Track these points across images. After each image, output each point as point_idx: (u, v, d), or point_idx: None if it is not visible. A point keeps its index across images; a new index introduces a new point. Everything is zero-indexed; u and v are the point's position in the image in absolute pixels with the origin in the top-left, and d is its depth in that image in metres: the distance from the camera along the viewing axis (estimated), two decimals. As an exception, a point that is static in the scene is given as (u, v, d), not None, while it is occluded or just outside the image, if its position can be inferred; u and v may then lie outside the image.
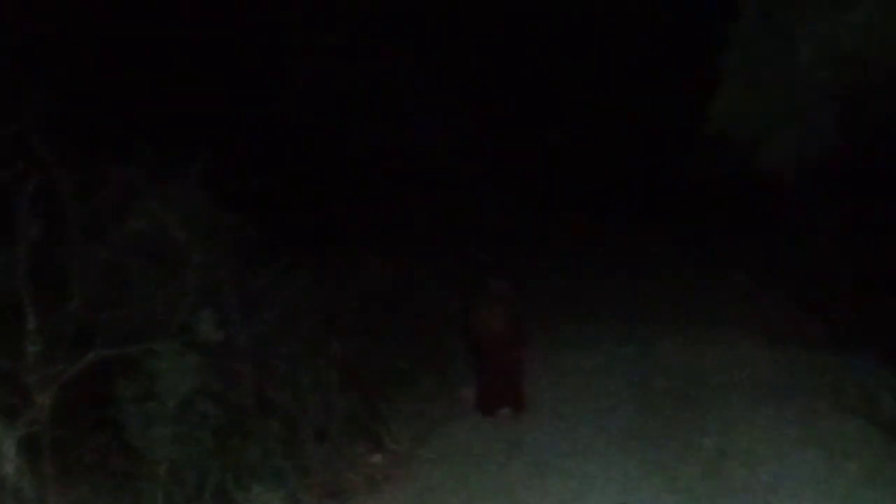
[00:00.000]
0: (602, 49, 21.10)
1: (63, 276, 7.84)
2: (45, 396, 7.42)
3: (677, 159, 19.11)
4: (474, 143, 20.08)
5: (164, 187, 8.78)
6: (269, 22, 15.64)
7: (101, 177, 8.25)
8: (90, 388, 7.91)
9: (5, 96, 8.32)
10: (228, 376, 8.77)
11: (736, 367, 12.81)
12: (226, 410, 8.41)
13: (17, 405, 7.35)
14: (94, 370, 7.69)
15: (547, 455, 9.96)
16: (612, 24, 21.00)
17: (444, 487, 9.12)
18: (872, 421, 10.53)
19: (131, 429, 7.87)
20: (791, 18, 12.17)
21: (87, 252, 7.97)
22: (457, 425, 10.96)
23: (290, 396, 9.37)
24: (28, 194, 7.24)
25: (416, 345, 12.75)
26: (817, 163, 13.72)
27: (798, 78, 12.70)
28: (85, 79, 9.60)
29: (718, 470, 9.36)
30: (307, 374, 9.61)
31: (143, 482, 7.86)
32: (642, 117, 20.64)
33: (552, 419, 11.14)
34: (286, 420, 9.26)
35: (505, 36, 20.08)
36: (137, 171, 8.49)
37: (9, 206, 7.32)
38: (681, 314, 15.74)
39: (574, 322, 15.40)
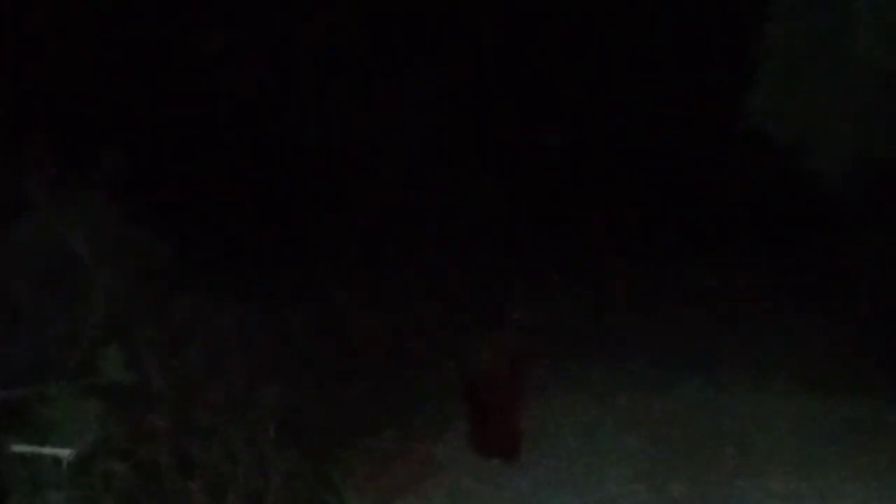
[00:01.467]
0: (607, 27, 21.25)
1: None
2: None
3: (704, 165, 19.22)
4: (461, 137, 20.01)
5: (63, 195, 8.88)
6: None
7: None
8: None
9: None
10: (139, 428, 8.80)
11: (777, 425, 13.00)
12: (135, 470, 8.48)
13: None
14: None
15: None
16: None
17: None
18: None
19: (17, 493, 7.95)
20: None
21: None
22: (424, 491, 11.10)
23: (217, 453, 9.46)
24: None
25: (375, 390, 12.80)
26: (881, 169, 13.76)
27: (855, 60, 12.64)
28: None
29: None
30: (239, 426, 9.73)
31: (32, 558, 7.95)
32: (660, 112, 20.66)
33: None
34: (211, 483, 9.35)
35: (502, 21, 19.97)
36: (29, 178, 8.60)
37: None
38: (710, 354, 15.86)
39: (583, 361, 15.58)
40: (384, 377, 13.18)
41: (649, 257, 20.09)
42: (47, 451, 7.94)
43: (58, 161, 8.92)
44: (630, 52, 20.23)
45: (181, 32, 14.81)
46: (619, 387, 14.60)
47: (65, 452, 7.91)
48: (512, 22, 20.18)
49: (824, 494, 11.08)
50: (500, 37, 20.23)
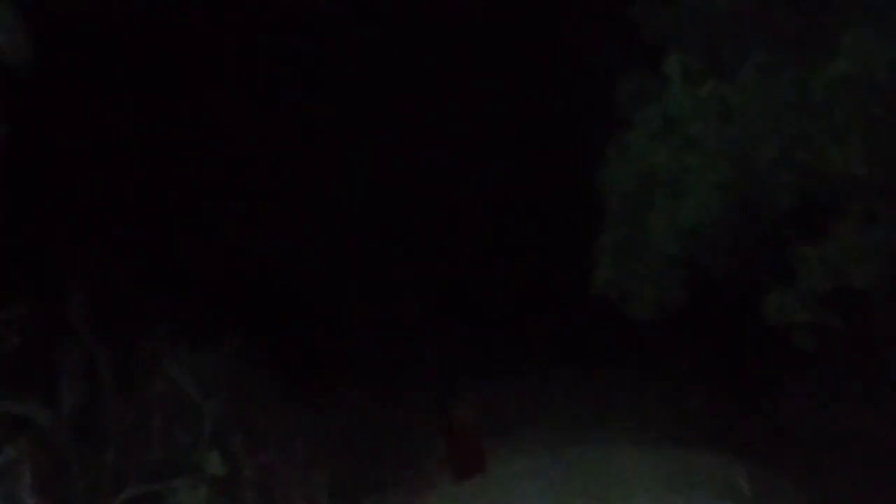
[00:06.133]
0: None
1: (101, 430, 7.09)
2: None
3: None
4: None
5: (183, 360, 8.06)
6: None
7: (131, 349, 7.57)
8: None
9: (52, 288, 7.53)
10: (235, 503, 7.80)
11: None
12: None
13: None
14: (128, 504, 6.82)
15: None
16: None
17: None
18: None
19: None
20: (642, 210, 11.61)
21: (120, 410, 7.25)
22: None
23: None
24: (70, 368, 6.56)
25: (386, 466, 11.79)
26: (668, 313, 13.03)
27: (653, 250, 12.00)
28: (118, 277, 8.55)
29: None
30: (303, 495, 8.74)
31: None
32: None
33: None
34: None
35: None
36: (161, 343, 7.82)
37: (55, 378, 6.66)
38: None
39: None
40: (393, 458, 12.14)
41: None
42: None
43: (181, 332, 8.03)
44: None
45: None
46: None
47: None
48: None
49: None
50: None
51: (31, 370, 6.45)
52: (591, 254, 12.66)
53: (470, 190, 19.93)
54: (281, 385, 9.80)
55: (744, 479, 9.92)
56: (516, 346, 20.24)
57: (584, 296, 13.33)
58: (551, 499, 10.65)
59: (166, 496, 6.96)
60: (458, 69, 16.87)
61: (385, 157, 16.62)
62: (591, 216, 12.58)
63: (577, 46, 15.61)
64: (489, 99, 17.61)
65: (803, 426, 11.45)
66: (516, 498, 10.86)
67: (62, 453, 6.54)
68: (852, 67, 8.86)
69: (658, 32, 11.85)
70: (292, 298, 13.39)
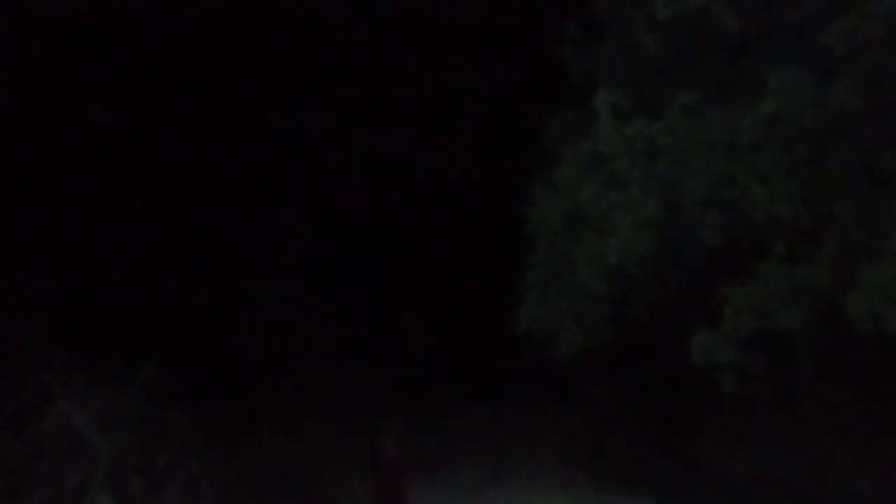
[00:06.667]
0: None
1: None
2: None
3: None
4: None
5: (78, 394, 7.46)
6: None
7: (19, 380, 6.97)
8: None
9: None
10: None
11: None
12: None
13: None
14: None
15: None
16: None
17: None
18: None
19: None
20: (569, 247, 11.52)
21: (4, 448, 6.64)
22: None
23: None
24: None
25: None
26: (594, 352, 12.92)
27: (578, 288, 11.90)
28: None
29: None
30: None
31: None
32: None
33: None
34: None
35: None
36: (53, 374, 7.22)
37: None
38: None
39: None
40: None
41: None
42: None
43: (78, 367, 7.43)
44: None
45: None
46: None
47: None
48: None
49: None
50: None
51: None
52: (516, 292, 12.69)
53: (393, 227, 19.76)
54: (188, 422, 9.21)
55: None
56: (436, 384, 19.94)
57: (508, 334, 13.25)
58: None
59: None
60: (388, 104, 16.89)
61: (305, 191, 16.40)
62: (515, 254, 12.57)
63: (505, 83, 15.75)
64: (415, 136, 17.56)
65: (724, 468, 11.35)
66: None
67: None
68: (777, 109, 8.98)
69: (586, 71, 11.99)
70: (205, 331, 12.75)
